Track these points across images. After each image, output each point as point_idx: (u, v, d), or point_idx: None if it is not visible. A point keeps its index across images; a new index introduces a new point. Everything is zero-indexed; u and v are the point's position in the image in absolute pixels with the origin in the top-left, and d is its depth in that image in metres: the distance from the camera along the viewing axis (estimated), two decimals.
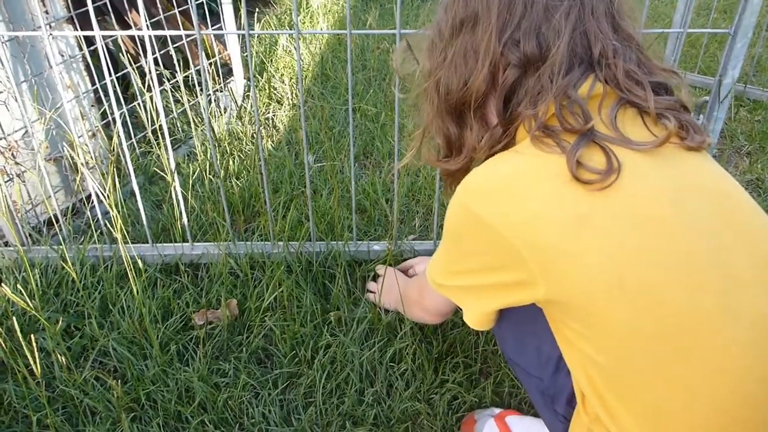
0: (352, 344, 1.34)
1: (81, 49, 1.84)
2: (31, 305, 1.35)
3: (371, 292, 1.48)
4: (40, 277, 1.52)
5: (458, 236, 0.85)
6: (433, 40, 0.93)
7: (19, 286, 1.45)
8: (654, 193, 0.73)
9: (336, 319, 1.41)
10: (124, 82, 2.23)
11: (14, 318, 1.34)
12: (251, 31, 1.41)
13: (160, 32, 1.36)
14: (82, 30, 1.89)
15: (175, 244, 1.61)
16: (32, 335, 1.24)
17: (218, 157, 1.99)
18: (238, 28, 2.47)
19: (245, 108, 2.38)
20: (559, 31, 0.79)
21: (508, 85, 0.83)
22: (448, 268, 0.90)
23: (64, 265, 1.47)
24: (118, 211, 1.68)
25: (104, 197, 1.44)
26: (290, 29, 3.06)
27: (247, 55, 1.41)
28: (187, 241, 1.60)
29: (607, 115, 0.78)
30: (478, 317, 0.91)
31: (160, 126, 1.53)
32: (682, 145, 0.78)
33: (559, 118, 0.77)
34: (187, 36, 2.30)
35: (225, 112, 2.28)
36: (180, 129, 2.20)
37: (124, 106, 2.02)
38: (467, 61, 0.86)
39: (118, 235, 1.42)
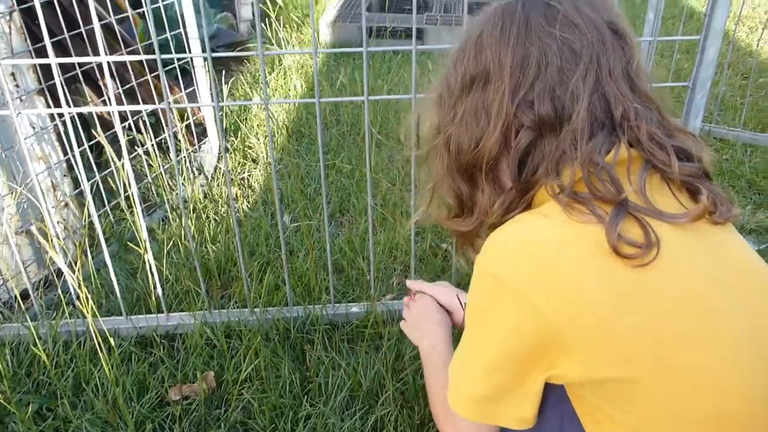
0: (333, 414, 1.32)
1: (53, 119, 1.84)
2: None
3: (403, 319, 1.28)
4: (11, 357, 1.48)
5: (487, 308, 0.76)
6: (442, 94, 0.90)
7: None
8: (694, 270, 0.71)
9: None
10: (98, 148, 2.22)
11: None
12: (221, 103, 1.41)
13: (129, 107, 1.37)
14: (54, 100, 1.90)
15: (150, 316, 1.58)
16: (2, 419, 1.21)
17: (193, 222, 1.98)
18: (212, 89, 2.49)
19: (220, 168, 2.38)
20: (577, 96, 0.77)
21: (521, 148, 0.80)
22: (476, 369, 0.78)
23: (34, 348, 1.43)
24: (88, 289, 1.65)
25: (72, 277, 1.41)
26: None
27: (217, 114, 1.42)
28: (162, 312, 1.57)
29: (636, 183, 0.74)
30: (519, 420, 0.79)
31: (132, 194, 1.52)
32: (710, 220, 0.75)
33: (588, 186, 0.73)
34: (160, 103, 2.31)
35: (200, 174, 2.28)
36: (155, 193, 2.19)
37: (97, 173, 2.01)
38: (478, 120, 0.84)
39: (89, 317, 1.40)
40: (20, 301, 1.62)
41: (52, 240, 1.53)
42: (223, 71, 3.27)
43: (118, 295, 1.54)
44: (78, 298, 1.45)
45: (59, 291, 1.65)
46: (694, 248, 0.72)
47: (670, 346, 0.67)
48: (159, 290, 1.55)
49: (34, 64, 1.74)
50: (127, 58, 1.46)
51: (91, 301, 1.44)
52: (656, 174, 0.76)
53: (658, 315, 0.68)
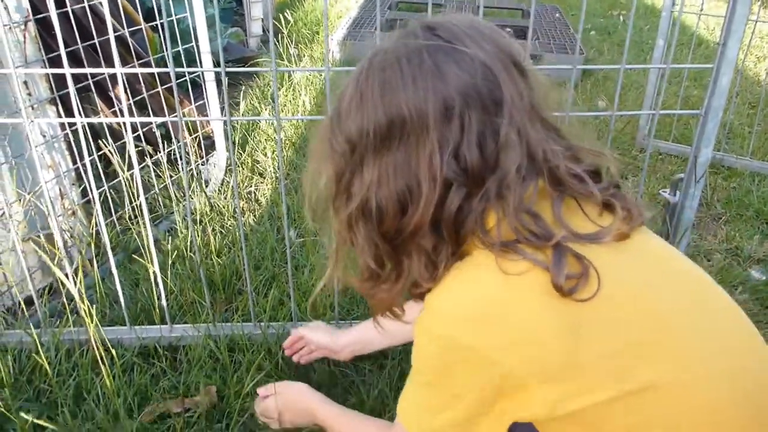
0: None
1: (63, 129, 1.85)
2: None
3: (267, 418, 1.29)
4: (12, 364, 1.47)
5: (444, 371, 0.76)
6: (340, 148, 0.79)
7: None
8: (632, 286, 0.74)
9: None
10: (107, 157, 2.23)
11: None
12: (232, 118, 1.42)
13: (141, 119, 1.37)
14: (65, 109, 1.91)
15: (153, 327, 1.58)
16: (2, 427, 1.20)
17: (199, 235, 1.98)
18: (222, 102, 2.50)
19: (227, 182, 2.39)
20: (505, 143, 0.74)
21: (454, 208, 0.75)
22: (437, 411, 0.79)
23: (35, 356, 1.42)
24: (92, 298, 1.65)
25: (73, 288, 1.41)
26: (272, 101, 3.10)
27: (227, 128, 1.43)
28: (166, 323, 1.57)
29: (553, 213, 0.75)
30: None
31: (140, 205, 1.53)
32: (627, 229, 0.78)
33: (517, 233, 0.73)
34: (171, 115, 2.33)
35: (207, 186, 2.28)
36: (162, 204, 2.19)
37: (105, 183, 2.01)
38: (402, 182, 0.76)
39: (92, 326, 1.39)
40: (24, 307, 1.62)
41: (58, 249, 1.53)
42: (233, 85, 3.30)
43: (123, 304, 1.54)
44: (82, 308, 1.45)
45: (64, 299, 1.64)
46: (624, 261, 0.76)
47: (632, 360, 0.70)
48: (163, 301, 1.55)
49: (47, 74, 1.75)
50: (141, 71, 1.47)
51: (94, 311, 1.43)
52: (570, 199, 0.77)
53: (614, 336, 0.71)
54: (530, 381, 0.72)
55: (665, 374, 0.70)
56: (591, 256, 0.72)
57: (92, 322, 1.41)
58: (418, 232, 0.78)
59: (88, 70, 1.54)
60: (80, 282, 1.45)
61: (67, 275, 1.43)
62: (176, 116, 1.31)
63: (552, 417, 0.73)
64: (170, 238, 2.00)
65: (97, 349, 1.40)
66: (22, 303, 1.62)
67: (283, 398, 1.26)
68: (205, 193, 2.21)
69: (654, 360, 0.70)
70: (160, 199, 2.20)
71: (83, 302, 1.39)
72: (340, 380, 1.45)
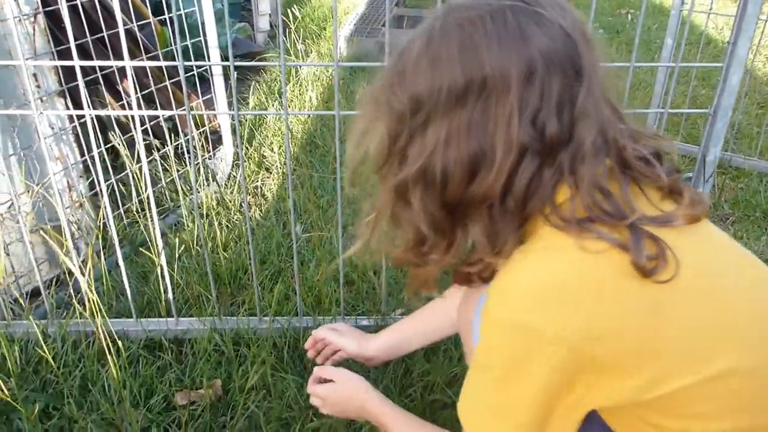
0: (340, 427, 1.31)
1: (71, 121, 1.85)
2: (6, 390, 1.30)
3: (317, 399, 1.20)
4: (19, 354, 1.48)
5: (519, 361, 0.70)
6: (402, 108, 0.75)
7: None
8: (705, 269, 0.73)
9: None
10: (114, 150, 2.24)
11: None
12: (240, 112, 1.42)
13: (150, 112, 1.37)
14: (74, 102, 1.91)
15: (159, 320, 1.58)
16: (8, 416, 1.20)
17: (205, 228, 1.98)
18: (229, 96, 2.50)
19: (234, 176, 2.39)
20: (581, 114, 0.71)
21: (528, 177, 0.71)
22: (511, 411, 0.73)
23: (42, 347, 1.43)
24: (99, 290, 1.66)
25: (82, 278, 1.42)
26: (279, 96, 3.10)
27: (235, 123, 1.43)
28: (172, 316, 1.57)
29: (621, 195, 0.72)
30: None
31: (148, 197, 1.54)
32: (694, 217, 0.75)
33: (590, 210, 0.70)
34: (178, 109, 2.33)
35: (213, 180, 2.29)
36: (168, 198, 2.20)
37: (112, 176, 2.02)
38: (475, 145, 0.71)
39: (98, 318, 1.40)
40: (31, 298, 1.63)
41: (65, 239, 1.54)
42: (240, 80, 3.30)
43: (129, 297, 1.55)
44: (88, 299, 1.46)
45: (71, 290, 1.65)
46: (696, 244, 0.74)
47: (711, 343, 0.69)
48: (170, 294, 1.55)
49: (56, 66, 1.76)
50: (150, 64, 1.47)
51: (99, 304, 1.44)
52: (634, 184, 0.75)
53: (694, 318, 0.69)
54: (615, 365, 0.68)
55: (742, 359, 0.69)
56: (665, 238, 0.70)
57: (99, 313, 1.42)
58: (485, 201, 0.73)
59: (97, 63, 1.55)
60: (90, 273, 1.45)
61: (73, 267, 1.44)
62: (184, 110, 1.31)
63: (636, 402, 0.69)
64: (176, 231, 2.00)
65: (105, 340, 1.41)
66: (29, 294, 1.63)
67: (338, 393, 1.15)
68: (218, 185, 2.22)
69: (729, 344, 0.69)
70: (167, 192, 2.21)
71: (92, 293, 1.40)
72: None
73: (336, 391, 1.15)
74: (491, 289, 0.73)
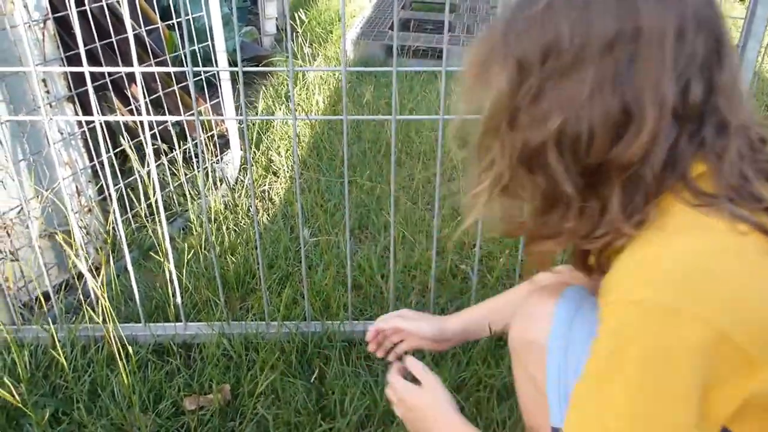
0: None
1: (80, 126, 1.86)
2: (16, 395, 1.31)
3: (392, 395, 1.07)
4: (29, 359, 1.49)
5: (659, 356, 0.61)
6: (530, 59, 0.67)
7: (6, 370, 1.42)
8: None
9: None
10: (122, 155, 2.25)
11: None
12: (248, 117, 1.42)
13: (159, 117, 1.38)
14: (83, 107, 1.92)
15: (168, 324, 1.59)
16: (18, 421, 1.21)
17: (213, 233, 1.99)
18: (236, 101, 2.51)
19: (241, 181, 2.40)
20: (726, 83, 0.66)
21: (668, 144, 0.65)
22: (654, 419, 0.62)
23: (52, 351, 1.44)
24: (106, 294, 1.66)
25: (94, 283, 1.42)
26: (287, 100, 3.11)
27: (243, 127, 1.44)
28: (180, 321, 1.58)
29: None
30: None
31: (156, 202, 1.54)
32: None
33: (728, 189, 0.65)
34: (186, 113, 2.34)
35: (221, 185, 2.29)
36: (176, 202, 2.21)
37: (120, 180, 2.03)
38: (618, 100, 0.65)
39: (108, 323, 1.40)
40: (41, 303, 1.63)
41: (75, 244, 1.54)
42: (247, 84, 3.31)
43: (138, 302, 1.55)
44: (98, 302, 1.46)
45: (80, 294, 1.66)
46: None
47: None
48: (178, 299, 1.56)
49: (65, 72, 1.77)
50: (159, 69, 1.48)
51: (109, 309, 1.44)
52: (753, 164, 0.69)
53: None
54: (759, 356, 0.62)
55: None
56: None
57: (109, 317, 1.42)
58: (628, 167, 0.66)
59: (106, 69, 1.56)
60: (102, 278, 1.46)
61: (81, 272, 1.44)
62: (192, 114, 1.32)
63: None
64: (184, 236, 2.01)
65: (114, 345, 1.41)
66: (39, 298, 1.64)
67: (421, 400, 1.00)
68: (229, 187, 2.22)
69: None
70: (174, 197, 2.22)
71: (104, 298, 1.40)
72: (353, 380, 1.45)
73: (420, 396, 1.01)
74: (622, 268, 0.67)
